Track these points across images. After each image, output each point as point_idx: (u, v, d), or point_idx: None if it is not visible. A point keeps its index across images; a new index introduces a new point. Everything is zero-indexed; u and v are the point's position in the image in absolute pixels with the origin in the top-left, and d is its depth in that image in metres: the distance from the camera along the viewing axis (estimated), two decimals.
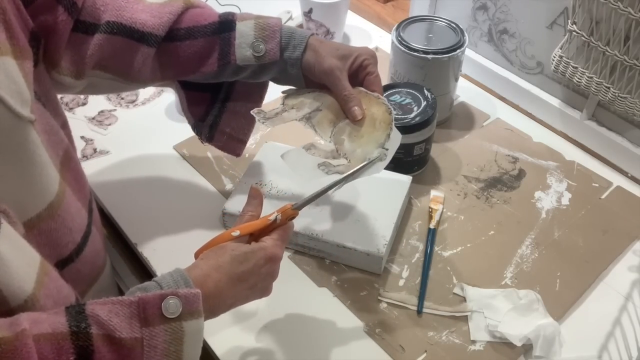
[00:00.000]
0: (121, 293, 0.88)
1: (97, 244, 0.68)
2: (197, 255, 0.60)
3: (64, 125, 0.66)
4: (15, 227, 0.52)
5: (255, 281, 0.59)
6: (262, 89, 0.80)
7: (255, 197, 0.65)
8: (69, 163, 0.63)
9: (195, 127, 0.81)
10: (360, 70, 0.71)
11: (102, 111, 1.05)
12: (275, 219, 0.62)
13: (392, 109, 0.70)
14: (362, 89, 0.71)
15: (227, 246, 0.58)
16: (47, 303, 0.52)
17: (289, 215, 0.63)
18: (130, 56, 0.69)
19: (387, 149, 0.69)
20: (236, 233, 0.60)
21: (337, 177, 0.68)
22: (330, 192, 0.67)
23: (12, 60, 0.51)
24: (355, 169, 0.68)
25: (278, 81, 0.76)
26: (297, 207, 0.64)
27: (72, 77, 0.66)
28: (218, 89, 0.79)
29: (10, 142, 0.51)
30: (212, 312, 0.55)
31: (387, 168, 0.90)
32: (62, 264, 0.60)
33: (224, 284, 0.56)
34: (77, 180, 0.65)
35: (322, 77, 0.70)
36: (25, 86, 0.52)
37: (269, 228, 0.62)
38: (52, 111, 0.62)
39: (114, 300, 0.48)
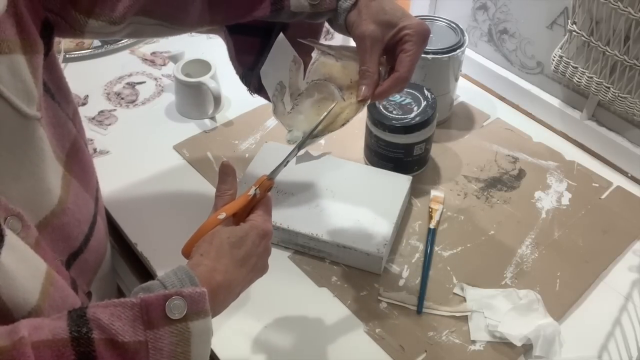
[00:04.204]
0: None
1: (101, 231, 0.68)
2: (186, 251, 0.58)
3: (74, 114, 0.65)
4: (28, 231, 0.51)
5: (255, 261, 0.58)
6: (316, 34, 0.75)
7: (229, 173, 0.62)
8: (76, 154, 0.63)
9: (243, 77, 0.76)
10: (398, 45, 0.64)
11: (102, 111, 1.05)
12: (255, 194, 0.61)
13: (351, 119, 0.66)
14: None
15: (220, 233, 0.57)
16: (52, 314, 0.50)
17: (266, 186, 0.62)
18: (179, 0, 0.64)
19: (301, 137, 0.66)
20: (222, 216, 0.58)
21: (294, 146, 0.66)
22: (290, 159, 0.65)
23: (21, 56, 0.51)
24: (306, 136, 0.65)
25: (332, 24, 0.70)
26: (272, 176, 0.63)
27: (110, 23, 0.61)
28: (269, 33, 0.72)
29: (19, 142, 0.51)
30: (223, 304, 0.55)
31: (387, 168, 0.90)
32: (73, 257, 0.60)
33: (232, 273, 0.55)
34: (85, 170, 0.65)
35: (355, 40, 0.66)
36: (32, 83, 0.52)
37: (250, 204, 0.61)
38: (63, 100, 0.61)
39: (115, 303, 0.47)
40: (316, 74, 0.67)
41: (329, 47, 0.69)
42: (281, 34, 0.66)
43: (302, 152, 0.66)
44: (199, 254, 0.55)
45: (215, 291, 0.52)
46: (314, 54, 0.69)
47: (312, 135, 0.66)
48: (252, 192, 0.61)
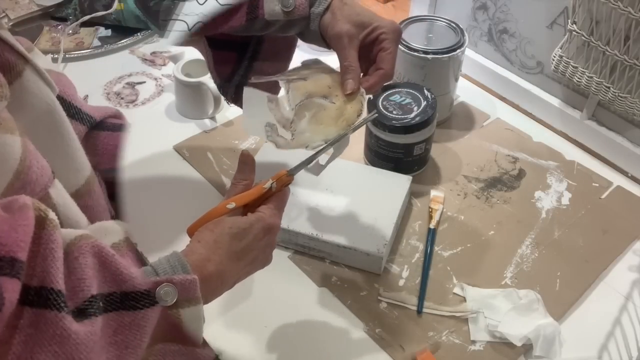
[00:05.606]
0: None
1: None
2: (190, 231, 0.58)
3: None
4: None
5: (256, 255, 0.57)
6: (289, 49, 0.78)
7: (247, 162, 0.61)
8: None
9: (220, 88, 0.80)
10: (375, 44, 0.67)
11: None
12: (271, 187, 0.59)
13: (363, 111, 0.66)
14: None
15: (223, 223, 0.56)
16: (93, 205, 0.56)
17: (284, 182, 0.60)
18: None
19: (323, 143, 0.65)
20: (231, 205, 0.57)
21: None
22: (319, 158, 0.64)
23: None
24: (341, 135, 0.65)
25: (303, 37, 0.73)
26: (292, 173, 0.61)
27: None
28: (245, 47, 0.77)
29: (53, 118, 0.54)
30: (215, 293, 0.55)
31: (387, 168, 0.91)
32: None
33: (226, 265, 0.54)
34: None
35: (331, 41, 0.67)
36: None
37: (264, 196, 0.60)
38: None
39: None
40: (296, 98, 0.68)
41: (289, 73, 0.71)
42: (245, 88, 0.68)
43: (311, 164, 0.65)
44: (197, 241, 0.55)
45: (207, 280, 0.52)
46: (281, 87, 0.70)
47: (336, 140, 0.65)
48: (267, 185, 0.59)
